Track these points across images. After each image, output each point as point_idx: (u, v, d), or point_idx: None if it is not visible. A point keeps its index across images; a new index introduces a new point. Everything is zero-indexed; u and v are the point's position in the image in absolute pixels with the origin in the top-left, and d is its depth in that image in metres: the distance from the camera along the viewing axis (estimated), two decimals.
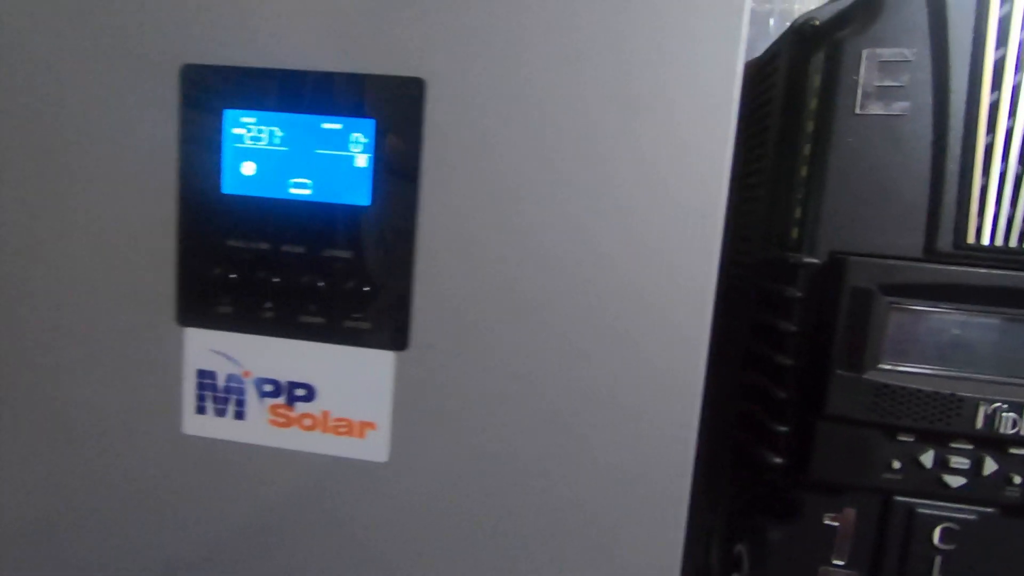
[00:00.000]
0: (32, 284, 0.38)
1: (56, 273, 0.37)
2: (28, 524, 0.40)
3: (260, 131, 0.35)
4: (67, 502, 0.40)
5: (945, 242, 0.38)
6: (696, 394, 0.33)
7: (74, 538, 0.40)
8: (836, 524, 0.41)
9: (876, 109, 0.39)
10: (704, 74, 0.32)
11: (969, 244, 0.37)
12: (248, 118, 0.35)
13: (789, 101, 0.44)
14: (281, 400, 0.36)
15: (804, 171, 0.42)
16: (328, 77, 0.34)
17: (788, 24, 0.46)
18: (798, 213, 0.42)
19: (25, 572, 0.40)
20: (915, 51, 0.38)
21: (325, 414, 0.36)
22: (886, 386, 0.38)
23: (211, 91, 0.34)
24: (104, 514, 0.39)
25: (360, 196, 0.34)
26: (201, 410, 0.37)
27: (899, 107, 0.38)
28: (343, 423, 0.36)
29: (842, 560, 0.41)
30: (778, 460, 0.42)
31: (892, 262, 0.38)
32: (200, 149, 0.35)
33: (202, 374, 0.37)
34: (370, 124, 0.34)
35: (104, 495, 0.39)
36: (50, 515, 0.40)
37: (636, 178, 0.32)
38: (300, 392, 0.36)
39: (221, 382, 0.37)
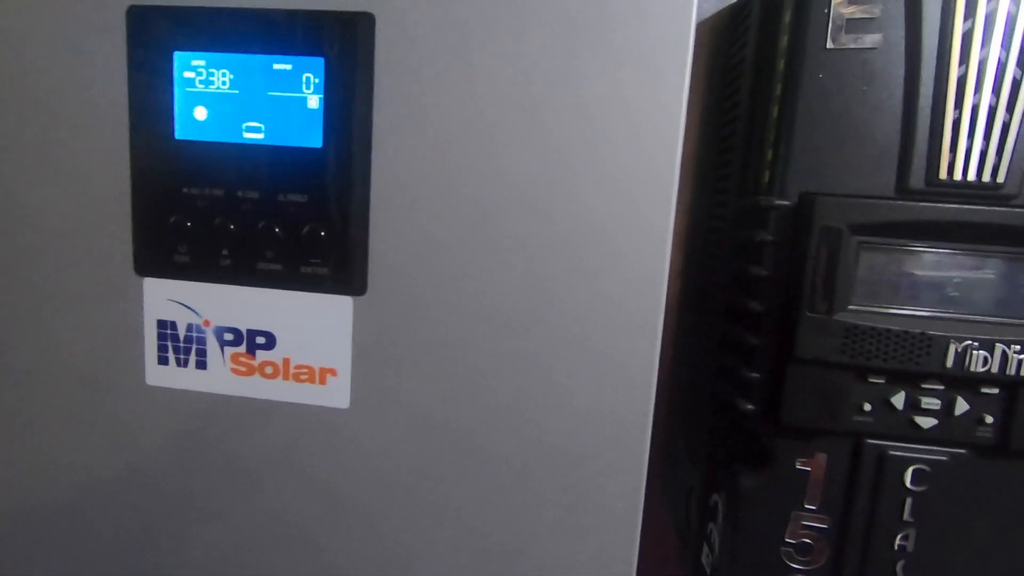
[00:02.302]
0: None
1: (12, 226, 0.37)
2: None
3: (211, 74, 0.34)
4: (35, 457, 0.40)
5: (917, 179, 0.37)
6: (655, 330, 0.33)
7: (44, 491, 0.40)
8: (807, 469, 0.41)
9: (847, 43, 0.38)
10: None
11: (941, 180, 0.37)
12: (198, 60, 0.34)
13: (761, 42, 0.43)
14: (242, 349, 0.36)
15: (775, 112, 0.41)
16: (277, 15, 0.33)
17: None
18: (769, 156, 0.41)
19: None
20: None
21: (286, 361, 0.36)
22: (856, 327, 0.38)
23: (159, 33, 0.34)
24: (72, 467, 0.40)
25: (313, 138, 0.34)
26: (163, 361, 0.37)
27: (871, 40, 0.37)
28: (304, 370, 0.36)
29: (814, 505, 0.41)
30: (750, 407, 0.41)
31: (862, 200, 0.38)
32: (151, 94, 0.34)
33: (162, 324, 0.37)
34: (319, 63, 0.33)
35: (71, 448, 0.39)
36: (18, 470, 0.40)
37: (595, 111, 0.32)
38: (260, 340, 0.36)
39: (182, 332, 0.37)
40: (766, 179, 0.41)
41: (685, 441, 0.55)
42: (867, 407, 0.39)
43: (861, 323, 0.38)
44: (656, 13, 0.31)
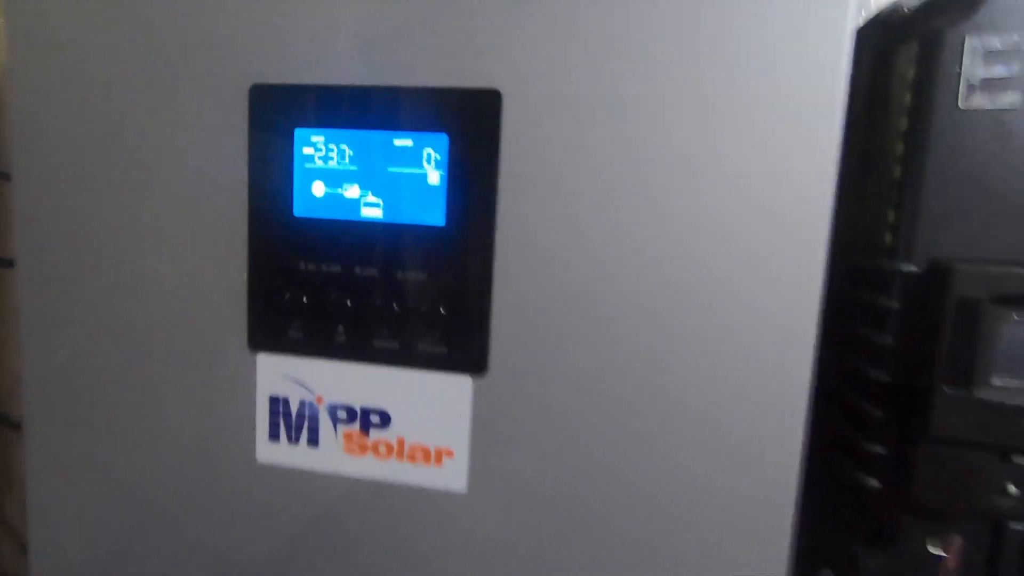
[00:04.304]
0: (107, 310, 0.38)
1: (130, 300, 0.37)
2: (105, 548, 0.40)
3: (330, 149, 0.34)
4: (142, 531, 0.39)
5: None
6: (801, 412, 0.31)
7: (153, 566, 0.40)
8: (942, 554, 0.38)
9: (982, 103, 0.36)
10: (804, 71, 0.29)
11: None
12: (317, 137, 0.34)
13: (874, 97, 0.41)
14: (355, 427, 0.35)
15: (897, 171, 0.39)
16: (398, 91, 0.33)
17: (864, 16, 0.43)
18: (891, 217, 0.39)
19: None
20: None
21: (400, 441, 0.35)
22: (1000, 404, 0.35)
23: (280, 110, 0.34)
24: (179, 542, 0.39)
25: (434, 216, 0.33)
26: (274, 437, 0.36)
27: (1008, 100, 0.35)
28: (419, 450, 0.35)
29: None
30: (876, 484, 0.39)
31: (1003, 270, 0.35)
32: (271, 170, 0.34)
33: (275, 401, 0.36)
34: (443, 139, 0.32)
35: (182, 523, 0.39)
36: (125, 542, 0.40)
37: (729, 182, 0.30)
38: (374, 418, 0.35)
39: (294, 408, 0.36)
40: (888, 241, 0.39)
41: None
42: (1011, 489, 0.36)
43: (1005, 400, 0.35)
44: (803, 72, 0.30)
